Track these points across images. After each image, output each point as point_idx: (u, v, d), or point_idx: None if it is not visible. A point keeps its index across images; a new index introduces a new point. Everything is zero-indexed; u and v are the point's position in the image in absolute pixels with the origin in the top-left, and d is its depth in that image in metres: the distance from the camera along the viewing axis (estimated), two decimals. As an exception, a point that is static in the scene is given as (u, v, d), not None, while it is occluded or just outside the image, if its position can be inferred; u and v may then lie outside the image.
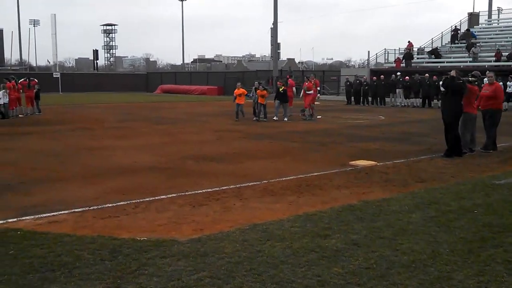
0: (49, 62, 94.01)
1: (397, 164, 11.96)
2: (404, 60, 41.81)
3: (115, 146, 14.93)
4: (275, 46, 51.04)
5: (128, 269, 5.27)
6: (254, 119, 23.49)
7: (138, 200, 8.31)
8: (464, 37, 43.03)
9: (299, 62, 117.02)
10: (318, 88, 29.86)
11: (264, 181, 9.83)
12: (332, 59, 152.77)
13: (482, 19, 49.45)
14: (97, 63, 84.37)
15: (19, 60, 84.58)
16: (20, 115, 25.62)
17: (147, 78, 73.10)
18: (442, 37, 45.91)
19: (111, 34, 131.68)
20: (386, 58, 46.02)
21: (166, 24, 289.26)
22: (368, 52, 47.86)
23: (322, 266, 5.36)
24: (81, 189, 9.22)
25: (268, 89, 27.49)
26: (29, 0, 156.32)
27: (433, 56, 41.99)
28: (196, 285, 4.87)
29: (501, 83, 17.96)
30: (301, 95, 26.45)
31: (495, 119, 13.93)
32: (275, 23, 48.96)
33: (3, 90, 23.64)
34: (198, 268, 5.30)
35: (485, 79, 14.81)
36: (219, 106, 34.95)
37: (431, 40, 46.11)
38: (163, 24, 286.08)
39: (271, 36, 51.38)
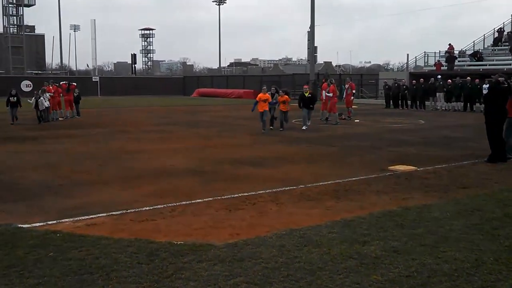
0: (88, 66, 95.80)
1: (438, 169, 11.71)
2: (448, 63, 41.04)
3: (153, 149, 15.04)
4: (312, 49, 50.86)
5: (164, 273, 5.26)
6: (266, 129, 19.93)
7: (175, 204, 8.32)
8: (507, 39, 42.04)
9: (336, 66, 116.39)
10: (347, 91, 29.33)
11: (301, 186, 9.74)
12: (370, 62, 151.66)
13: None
14: (135, 67, 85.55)
15: (59, 64, 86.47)
16: (60, 118, 26.09)
17: (184, 81, 73.71)
18: (484, 40, 44.94)
19: (149, 39, 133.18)
20: (425, 61, 45.31)
21: (203, 28, 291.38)
22: (407, 55, 47.08)
23: (360, 273, 5.26)
24: (119, 192, 9.30)
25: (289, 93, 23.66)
26: (70, 6, 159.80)
27: (475, 59, 41.15)
28: (232, 291, 4.83)
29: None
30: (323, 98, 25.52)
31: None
32: (312, 26, 48.74)
33: (46, 94, 24.04)
34: (234, 273, 5.25)
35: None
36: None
37: (472, 43, 45.22)
38: (200, 28, 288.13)
39: (308, 40, 51.31)
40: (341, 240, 6.34)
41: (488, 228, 6.85)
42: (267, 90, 20.46)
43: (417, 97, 35.78)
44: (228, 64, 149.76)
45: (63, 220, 7.35)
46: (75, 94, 27.35)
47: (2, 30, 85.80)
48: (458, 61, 42.56)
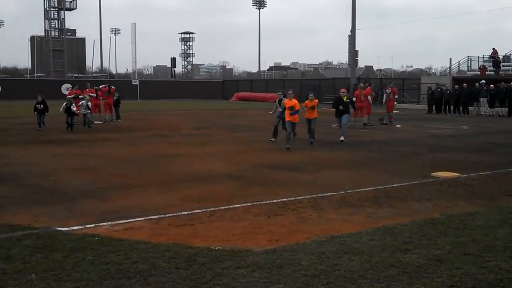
0: (128, 70, 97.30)
1: (482, 176, 11.41)
2: (495, 68, 40.12)
3: (191, 153, 15.08)
4: (353, 53, 50.41)
5: (202, 278, 5.21)
6: (272, 139, 17.61)
7: (213, 209, 8.28)
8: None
9: (377, 70, 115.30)
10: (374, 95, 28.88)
11: (341, 192, 9.60)
12: (411, 66, 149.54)
13: None
14: (174, 70, 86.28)
15: (99, 67, 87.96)
16: (98, 122, 26.26)
17: (223, 85, 74.00)
18: (530, 44, 43.87)
19: (188, 42, 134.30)
20: (469, 65, 44.49)
21: (243, 32, 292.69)
22: (450, 59, 46.20)
23: (402, 282, 5.14)
24: (158, 196, 9.32)
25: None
26: (111, 10, 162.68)
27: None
28: (271, 299, 4.75)
29: None
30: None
31: None
32: (353, 30, 48.38)
33: (87, 96, 24.22)
34: (273, 280, 5.18)
35: None
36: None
37: (517, 47, 44.20)
38: (240, 32, 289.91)
39: (349, 44, 50.80)
40: (382, 247, 6.22)
41: (537, 238, 6.61)
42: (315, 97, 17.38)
43: (460, 102, 35.09)
44: (268, 68, 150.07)
45: (101, 224, 7.39)
46: (114, 97, 27.68)
47: (43, 34, 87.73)
48: (503, 66, 41.61)
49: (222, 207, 8.38)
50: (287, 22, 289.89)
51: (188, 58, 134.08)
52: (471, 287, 5.02)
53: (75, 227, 7.19)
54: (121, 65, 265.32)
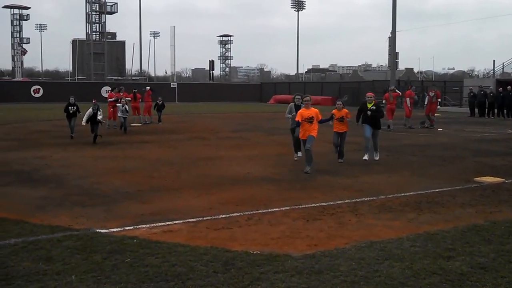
0: (167, 72, 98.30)
1: (528, 181, 11.07)
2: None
3: (230, 156, 15.07)
4: (393, 55, 49.79)
5: (241, 283, 5.18)
6: (296, 157, 14.18)
7: (251, 212, 8.24)
8: None
9: (417, 72, 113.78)
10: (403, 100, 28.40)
11: (382, 197, 9.44)
12: (453, 68, 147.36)
13: None
14: (212, 73, 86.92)
15: (139, 70, 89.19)
16: (137, 124, 26.57)
17: (261, 88, 74.06)
18: None
19: (227, 45, 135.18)
20: (513, 67, 43.54)
21: (281, 35, 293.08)
22: (494, 61, 45.66)
23: (445, 290, 4.99)
24: (196, 199, 9.32)
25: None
26: (151, 13, 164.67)
27: None
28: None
29: None
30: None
31: None
32: (393, 32, 47.78)
33: (124, 99, 24.34)
34: (312, 285, 5.12)
35: None
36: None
37: None
38: (278, 35, 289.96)
39: (389, 46, 50.26)
40: (424, 254, 6.09)
41: None
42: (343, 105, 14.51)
43: (504, 105, 34.25)
44: (306, 70, 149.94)
45: (140, 226, 7.43)
46: (159, 102, 28.03)
47: (85, 37, 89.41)
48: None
49: (260, 211, 8.34)
50: (326, 24, 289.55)
51: (226, 60, 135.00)
52: (517, 296, 4.86)
53: (115, 229, 7.24)
54: (160, 67, 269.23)
